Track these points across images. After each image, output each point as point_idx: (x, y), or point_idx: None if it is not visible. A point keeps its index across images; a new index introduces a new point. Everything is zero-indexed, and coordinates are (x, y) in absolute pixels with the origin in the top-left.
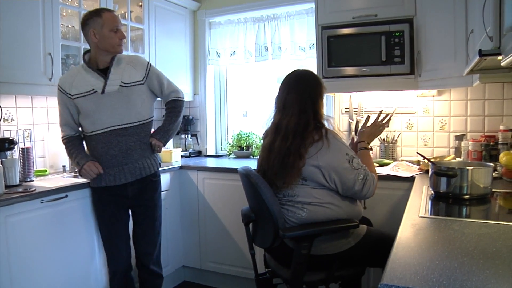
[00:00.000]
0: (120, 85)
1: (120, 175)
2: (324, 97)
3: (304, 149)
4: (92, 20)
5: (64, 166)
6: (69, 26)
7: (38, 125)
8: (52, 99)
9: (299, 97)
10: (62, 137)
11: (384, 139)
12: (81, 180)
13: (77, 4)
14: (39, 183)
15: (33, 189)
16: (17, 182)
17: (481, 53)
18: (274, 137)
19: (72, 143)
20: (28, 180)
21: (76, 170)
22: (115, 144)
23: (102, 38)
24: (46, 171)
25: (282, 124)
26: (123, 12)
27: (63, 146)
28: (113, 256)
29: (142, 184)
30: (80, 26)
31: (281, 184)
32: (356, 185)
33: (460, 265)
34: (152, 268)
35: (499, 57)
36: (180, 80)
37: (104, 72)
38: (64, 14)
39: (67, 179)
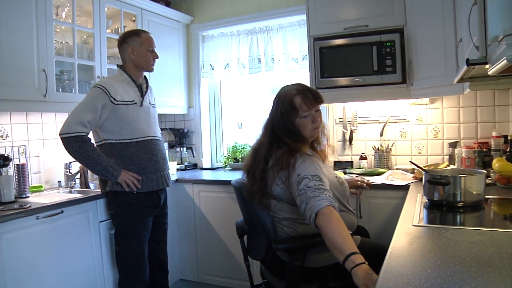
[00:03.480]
0: (150, 103)
1: (162, 180)
2: (298, 118)
3: (272, 175)
4: (132, 38)
5: (59, 182)
6: (63, 42)
7: (33, 141)
8: (47, 115)
9: (267, 119)
10: (79, 133)
11: (378, 148)
12: (77, 195)
13: (70, 21)
14: (35, 199)
15: (28, 205)
16: (13, 198)
17: (468, 63)
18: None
19: (93, 147)
20: (24, 196)
21: (71, 185)
22: (157, 151)
23: (139, 56)
24: (41, 187)
25: (254, 145)
26: (116, 27)
27: (77, 145)
28: (141, 268)
29: (165, 193)
30: (118, 43)
31: (254, 203)
32: (297, 200)
33: (452, 274)
34: (168, 270)
35: (487, 66)
36: (175, 93)
37: (138, 88)
38: (58, 30)
39: (63, 195)
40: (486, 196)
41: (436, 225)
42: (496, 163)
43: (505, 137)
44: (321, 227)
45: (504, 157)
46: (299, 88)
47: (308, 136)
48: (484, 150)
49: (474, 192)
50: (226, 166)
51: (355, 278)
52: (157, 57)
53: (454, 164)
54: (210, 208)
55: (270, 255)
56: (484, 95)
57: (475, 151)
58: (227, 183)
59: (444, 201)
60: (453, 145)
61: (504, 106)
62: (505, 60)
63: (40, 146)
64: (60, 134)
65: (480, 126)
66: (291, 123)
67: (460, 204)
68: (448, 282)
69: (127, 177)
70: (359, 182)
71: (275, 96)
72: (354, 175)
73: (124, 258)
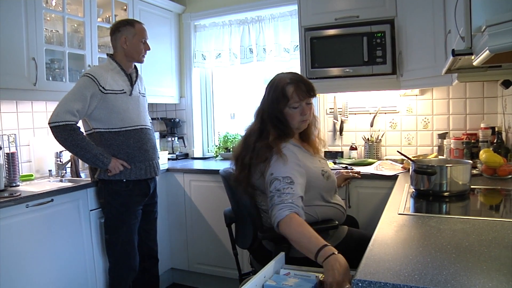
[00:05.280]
0: (139, 92)
1: (150, 169)
2: (288, 107)
3: (253, 165)
4: (125, 28)
5: (50, 171)
6: (53, 31)
7: (24, 130)
8: (37, 104)
9: (259, 106)
10: (68, 122)
11: (368, 138)
12: (67, 184)
13: (60, 9)
14: (25, 188)
15: (18, 193)
16: (2, 187)
17: (454, 53)
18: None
19: (83, 135)
20: (14, 185)
21: (61, 174)
22: (146, 140)
23: (132, 46)
24: (32, 175)
25: (245, 132)
26: (107, 16)
27: (66, 133)
28: (131, 256)
29: (155, 182)
30: (111, 31)
31: (240, 191)
32: (268, 201)
33: (432, 260)
34: (158, 258)
35: (472, 57)
36: (166, 83)
37: (127, 77)
38: (48, 18)
39: (53, 184)
40: (472, 186)
41: (421, 213)
42: (483, 154)
43: (493, 128)
44: (285, 235)
45: (491, 148)
46: (293, 78)
47: (294, 127)
48: (472, 141)
49: (460, 182)
50: (217, 156)
51: (325, 269)
52: (149, 49)
53: (443, 155)
54: (201, 198)
55: (256, 244)
56: (473, 87)
57: (464, 142)
58: (217, 172)
59: (431, 191)
60: (442, 136)
61: (493, 98)
62: (488, 51)
63: (30, 135)
64: (49, 123)
65: (469, 118)
66: (280, 112)
67: (446, 194)
68: (427, 268)
69: (118, 164)
70: (350, 174)
71: (268, 82)
72: (343, 166)
73: (114, 247)
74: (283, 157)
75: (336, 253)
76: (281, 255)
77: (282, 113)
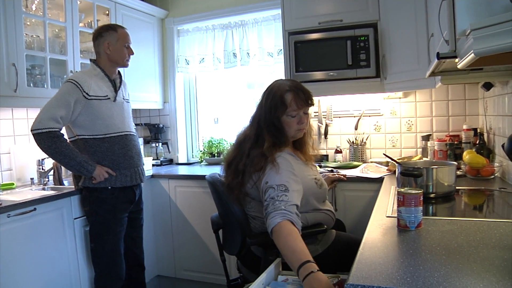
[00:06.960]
0: (124, 98)
1: (136, 176)
2: (285, 115)
3: (248, 173)
4: (108, 33)
5: (32, 179)
6: (34, 36)
7: (4, 138)
8: (18, 110)
9: (255, 111)
10: (52, 129)
11: (353, 141)
12: (50, 192)
13: (41, 14)
14: (6, 197)
15: None
16: None
17: (438, 56)
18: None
19: (66, 142)
20: None
21: (44, 182)
22: (131, 147)
23: (115, 51)
24: (13, 184)
25: (239, 137)
26: (89, 21)
27: (49, 141)
28: (117, 265)
29: (140, 188)
30: (94, 36)
31: (232, 197)
32: (264, 211)
33: (423, 262)
34: (144, 265)
35: (456, 60)
36: (150, 88)
37: (111, 82)
38: (28, 23)
39: (36, 192)
40: (457, 187)
41: None
42: (466, 155)
43: (475, 130)
44: (276, 244)
45: (474, 150)
46: (292, 85)
47: (290, 136)
48: (455, 142)
49: (446, 184)
50: (202, 161)
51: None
52: (133, 53)
53: (427, 157)
54: (186, 203)
55: (245, 250)
56: (455, 89)
57: (447, 143)
58: (203, 178)
59: None
60: (426, 138)
61: (474, 100)
62: (473, 54)
63: (11, 143)
64: (31, 130)
65: (451, 120)
66: (277, 119)
67: (432, 195)
68: (419, 270)
69: (103, 172)
70: (336, 176)
71: (266, 88)
72: (329, 170)
73: (99, 255)
74: (276, 166)
75: (316, 270)
76: (278, 261)
77: (279, 120)
